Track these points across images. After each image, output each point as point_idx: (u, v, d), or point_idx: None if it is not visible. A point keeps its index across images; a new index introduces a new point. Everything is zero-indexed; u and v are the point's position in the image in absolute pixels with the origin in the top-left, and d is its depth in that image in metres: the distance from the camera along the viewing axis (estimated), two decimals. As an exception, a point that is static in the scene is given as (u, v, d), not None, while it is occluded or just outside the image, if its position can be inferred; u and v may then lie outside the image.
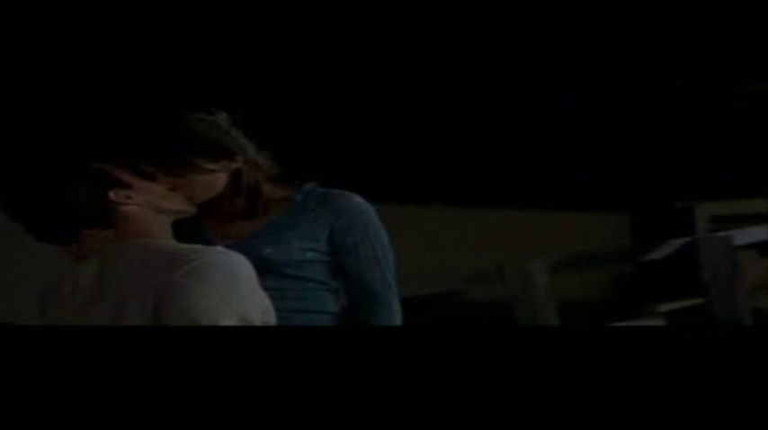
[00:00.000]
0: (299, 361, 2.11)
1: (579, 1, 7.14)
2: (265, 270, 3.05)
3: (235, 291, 2.43)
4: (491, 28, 7.36)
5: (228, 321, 2.36)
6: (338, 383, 2.10)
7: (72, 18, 6.90)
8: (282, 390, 2.09)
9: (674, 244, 6.50)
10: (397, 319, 3.27)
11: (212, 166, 3.06)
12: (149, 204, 2.63)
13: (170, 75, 7.22)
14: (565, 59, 7.69)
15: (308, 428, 2.07)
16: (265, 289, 2.79)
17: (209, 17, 7.05)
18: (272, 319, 2.56)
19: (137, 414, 2.06)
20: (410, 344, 2.13)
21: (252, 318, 2.44)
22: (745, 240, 6.37)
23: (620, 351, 2.14)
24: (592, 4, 7.13)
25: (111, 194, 2.57)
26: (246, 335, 2.21)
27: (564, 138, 8.45)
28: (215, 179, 3.07)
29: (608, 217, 8.71)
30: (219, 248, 2.56)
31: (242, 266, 2.48)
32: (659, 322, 6.08)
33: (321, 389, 2.09)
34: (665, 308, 6.34)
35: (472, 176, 8.53)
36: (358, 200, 3.25)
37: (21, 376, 2.08)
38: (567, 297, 6.25)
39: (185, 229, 3.05)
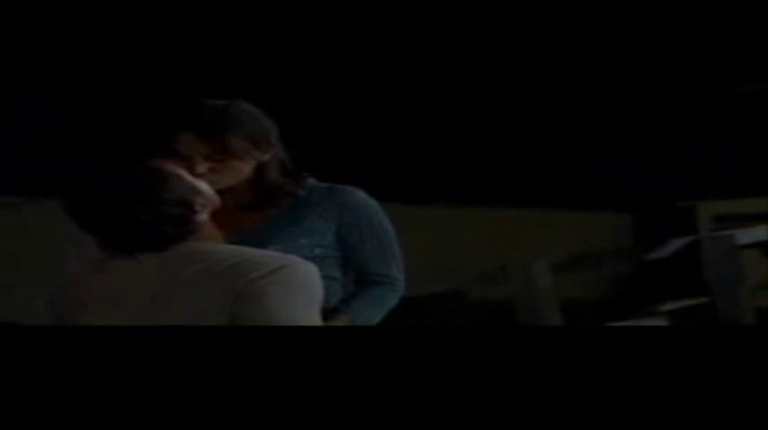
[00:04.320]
0: (300, 360, 2.11)
1: (580, 1, 7.15)
2: None
3: (316, 300, 2.46)
4: (492, 29, 7.37)
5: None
6: (339, 383, 2.10)
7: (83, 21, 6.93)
8: (282, 390, 2.09)
9: (677, 243, 6.50)
10: (402, 293, 3.29)
11: (252, 153, 3.09)
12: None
13: (177, 75, 7.23)
14: (566, 60, 7.70)
15: (309, 428, 2.08)
16: None
17: (213, 18, 7.06)
18: None
19: (139, 414, 2.07)
20: (410, 344, 2.13)
21: (321, 323, 2.48)
22: (747, 240, 6.37)
23: (622, 350, 2.14)
24: (592, 5, 7.13)
25: (199, 205, 2.55)
26: (248, 334, 2.22)
27: (566, 138, 8.46)
28: (244, 167, 3.12)
29: (610, 217, 8.71)
30: (297, 258, 2.56)
31: (317, 275, 2.51)
32: (661, 321, 6.07)
33: (322, 389, 2.09)
34: (667, 307, 6.33)
35: (474, 177, 8.54)
36: (361, 194, 3.26)
37: (22, 376, 2.08)
38: (569, 296, 6.26)
39: None
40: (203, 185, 2.63)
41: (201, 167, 2.93)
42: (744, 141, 8.17)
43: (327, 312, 3.18)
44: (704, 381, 2.10)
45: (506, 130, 8.45)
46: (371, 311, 3.23)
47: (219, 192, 3.05)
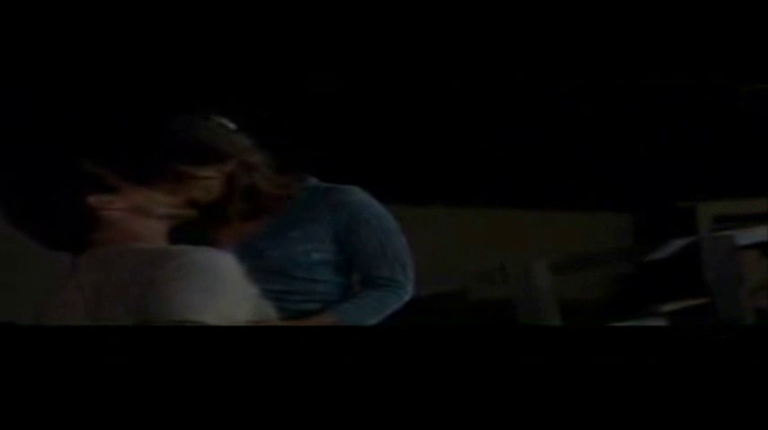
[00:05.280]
0: (299, 361, 2.11)
1: (580, 1, 7.15)
2: (272, 272, 3.03)
3: (217, 288, 2.43)
4: (492, 29, 7.36)
5: (210, 317, 2.36)
6: (339, 383, 2.10)
7: (69, 19, 6.90)
8: (282, 390, 2.09)
9: (677, 244, 6.50)
10: (408, 297, 3.20)
11: (202, 173, 3.02)
12: (138, 209, 2.61)
13: (172, 75, 7.22)
14: (566, 60, 7.69)
15: (307, 428, 2.07)
16: (273, 292, 2.80)
17: (210, 18, 7.06)
18: (264, 316, 2.56)
19: (136, 414, 2.07)
20: (410, 344, 2.13)
21: (234, 314, 2.43)
22: (747, 240, 6.37)
23: (623, 350, 2.14)
24: (592, 5, 7.13)
25: (92, 200, 2.55)
26: (246, 334, 2.21)
27: (566, 138, 8.46)
28: (211, 183, 3.04)
29: (610, 217, 8.72)
30: (204, 247, 2.55)
31: (226, 263, 2.48)
32: (662, 322, 6.08)
33: (321, 390, 2.09)
34: (667, 307, 6.34)
35: (475, 177, 8.54)
36: (360, 195, 3.17)
37: (20, 376, 2.08)
38: (569, 297, 6.25)
39: (188, 234, 3.06)
40: (120, 184, 2.63)
41: (162, 189, 2.87)
42: (744, 141, 8.17)
43: (314, 313, 3.14)
44: (704, 382, 2.10)
45: (506, 130, 8.45)
46: (365, 313, 3.11)
47: (211, 206, 3.05)
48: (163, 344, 2.15)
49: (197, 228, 3.09)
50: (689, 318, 6.13)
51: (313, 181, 3.22)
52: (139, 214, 2.60)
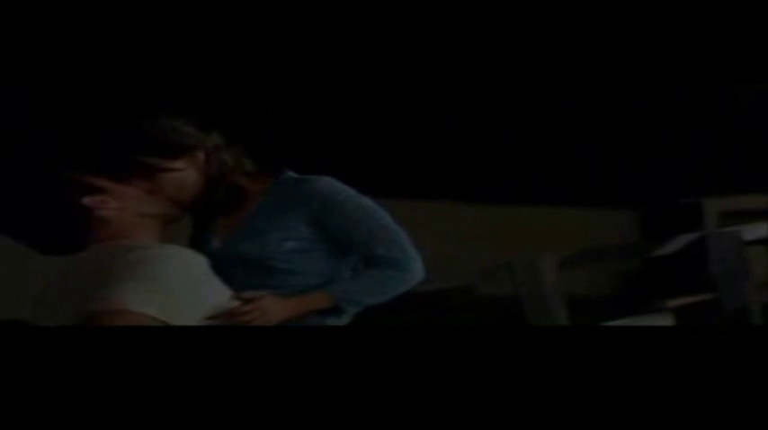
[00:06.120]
0: (300, 361, 2.11)
1: (580, 1, 7.14)
2: (249, 266, 3.05)
3: (161, 281, 2.48)
4: (496, 28, 7.36)
5: (149, 308, 2.42)
6: (341, 383, 2.09)
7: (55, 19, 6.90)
8: (283, 391, 2.08)
9: (683, 240, 6.49)
10: (419, 276, 3.21)
11: (172, 164, 3.03)
12: (129, 208, 2.67)
13: (172, 75, 7.22)
14: (571, 59, 7.69)
15: (309, 428, 2.07)
16: (253, 286, 2.84)
17: (210, 18, 7.06)
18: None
19: (133, 413, 2.06)
20: (412, 343, 2.12)
21: (189, 310, 2.48)
22: (753, 236, 6.37)
23: (627, 350, 2.14)
24: (592, 4, 7.12)
25: (86, 200, 2.61)
26: (245, 334, 2.21)
27: (572, 134, 8.45)
28: (184, 177, 3.05)
29: (617, 213, 8.71)
30: (175, 246, 2.61)
31: (182, 261, 2.54)
32: (667, 317, 6.07)
33: (323, 390, 2.08)
34: (673, 303, 6.33)
35: (481, 173, 8.54)
36: (326, 182, 3.16)
37: (19, 375, 2.08)
38: (575, 293, 6.24)
39: (198, 232, 3.12)
40: (109, 185, 2.68)
41: (142, 187, 2.90)
42: (751, 138, 8.17)
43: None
44: (710, 380, 2.10)
45: (512, 127, 8.45)
46: (364, 291, 3.10)
47: (199, 203, 3.08)
48: (165, 344, 2.15)
49: (200, 228, 3.15)
50: (695, 314, 6.12)
51: (290, 174, 3.24)
52: (130, 213, 2.65)
